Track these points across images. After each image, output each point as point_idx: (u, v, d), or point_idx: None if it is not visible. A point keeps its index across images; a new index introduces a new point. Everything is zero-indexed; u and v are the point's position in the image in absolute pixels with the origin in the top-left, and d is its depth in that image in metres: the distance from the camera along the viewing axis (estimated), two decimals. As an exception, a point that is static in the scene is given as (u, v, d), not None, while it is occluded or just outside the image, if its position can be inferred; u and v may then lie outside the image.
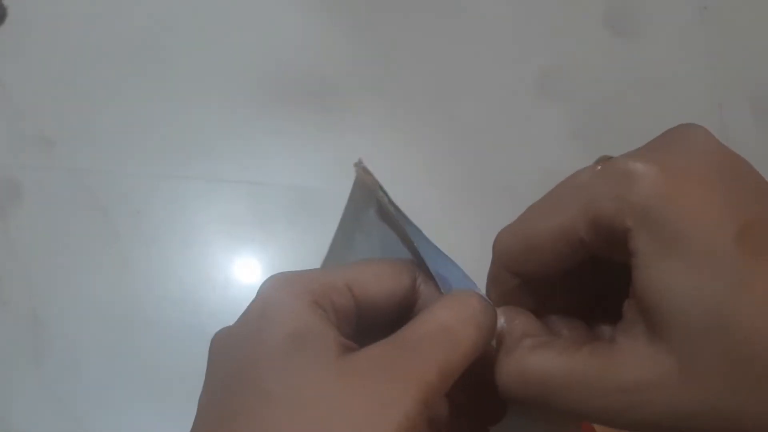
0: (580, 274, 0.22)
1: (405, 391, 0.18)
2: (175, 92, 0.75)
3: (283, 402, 0.18)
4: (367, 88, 0.80)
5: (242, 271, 0.68)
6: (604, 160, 0.22)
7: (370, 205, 0.27)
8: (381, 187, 0.26)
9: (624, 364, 0.18)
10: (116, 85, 0.75)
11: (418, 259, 0.25)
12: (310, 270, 0.23)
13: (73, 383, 0.64)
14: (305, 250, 0.68)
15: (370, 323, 0.23)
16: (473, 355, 0.20)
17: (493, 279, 0.24)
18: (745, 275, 0.17)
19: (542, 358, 0.20)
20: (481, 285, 0.26)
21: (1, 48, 0.75)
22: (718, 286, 0.17)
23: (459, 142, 0.77)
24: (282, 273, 0.23)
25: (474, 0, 0.84)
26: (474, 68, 0.81)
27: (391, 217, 0.26)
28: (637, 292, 0.19)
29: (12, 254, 0.68)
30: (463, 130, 0.78)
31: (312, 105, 0.75)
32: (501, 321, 0.22)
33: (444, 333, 0.20)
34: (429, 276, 0.24)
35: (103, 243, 0.69)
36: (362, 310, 0.23)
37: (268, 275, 0.23)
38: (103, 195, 0.70)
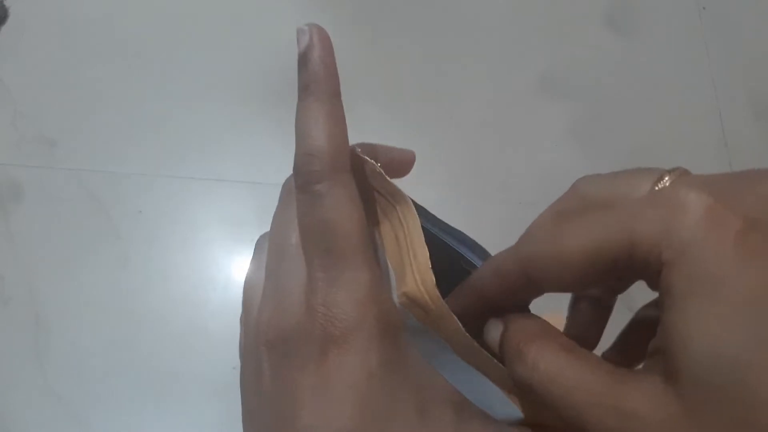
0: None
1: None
2: (175, 92, 0.75)
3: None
4: (368, 88, 0.80)
5: (243, 271, 0.68)
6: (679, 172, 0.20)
7: None
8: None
9: (632, 392, 0.17)
10: (116, 85, 0.75)
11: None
12: None
13: (74, 383, 0.64)
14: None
15: None
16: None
17: (498, 273, 0.22)
18: None
19: (563, 358, 0.19)
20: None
21: (1, 48, 0.75)
22: (744, 346, 0.16)
23: (459, 141, 0.77)
24: None
25: (474, 1, 0.84)
26: (475, 68, 0.81)
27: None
28: (662, 331, 0.18)
29: (13, 254, 0.68)
30: (463, 130, 0.78)
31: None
32: (500, 329, 0.22)
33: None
34: None
35: (104, 243, 0.69)
36: None
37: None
38: (103, 195, 0.70)
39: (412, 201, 0.22)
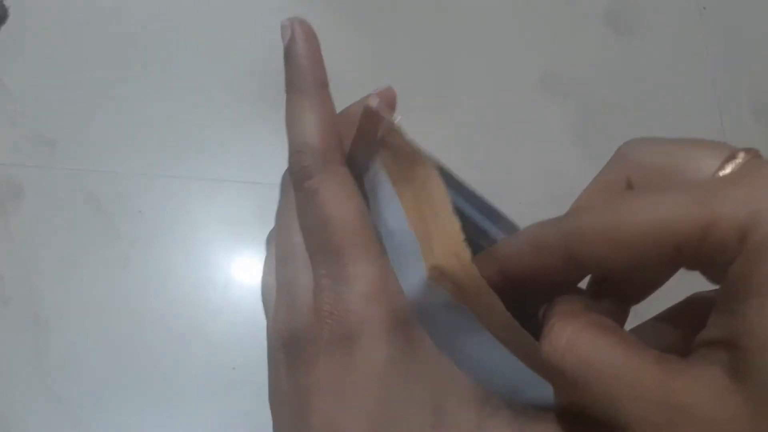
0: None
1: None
2: (175, 92, 0.75)
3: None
4: (368, 88, 0.79)
5: (243, 271, 0.68)
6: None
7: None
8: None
9: (686, 385, 0.15)
10: (116, 85, 0.75)
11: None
12: None
13: (74, 383, 0.64)
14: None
15: None
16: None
17: (538, 245, 0.19)
18: None
19: (602, 340, 0.17)
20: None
21: (1, 48, 0.75)
22: None
23: (459, 141, 0.77)
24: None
25: (474, 1, 0.84)
26: (475, 68, 0.81)
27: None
28: (731, 323, 0.15)
29: (12, 254, 0.68)
30: (463, 130, 0.78)
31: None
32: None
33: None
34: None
35: (104, 243, 0.69)
36: None
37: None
38: (103, 195, 0.70)
39: (436, 163, 0.20)
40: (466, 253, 0.18)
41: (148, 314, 0.67)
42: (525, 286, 0.19)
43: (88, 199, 0.70)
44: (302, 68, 0.21)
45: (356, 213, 0.20)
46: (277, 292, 0.21)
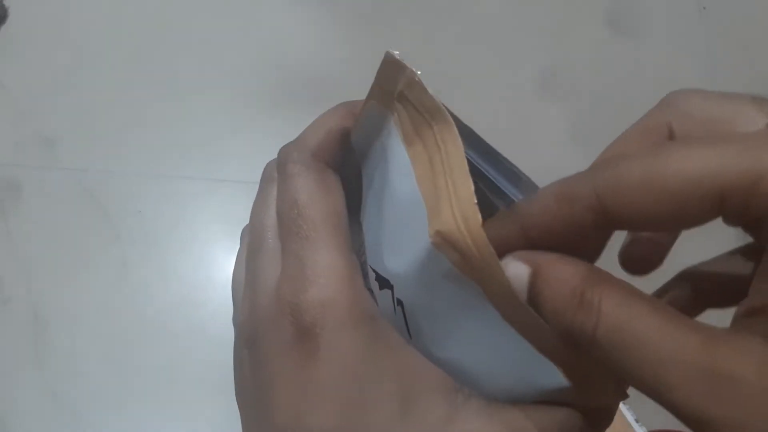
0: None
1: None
2: (175, 93, 0.75)
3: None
4: (368, 89, 0.79)
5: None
6: None
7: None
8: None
9: (731, 353, 0.14)
10: (116, 85, 0.75)
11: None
12: None
13: (73, 383, 0.64)
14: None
15: None
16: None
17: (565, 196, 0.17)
18: None
19: (633, 307, 0.15)
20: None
21: (1, 48, 0.75)
22: None
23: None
24: None
25: (474, 1, 0.84)
26: (474, 68, 0.81)
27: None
28: None
29: (12, 254, 0.68)
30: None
31: (312, 105, 0.75)
32: (525, 269, 0.17)
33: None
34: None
35: (104, 243, 0.69)
36: None
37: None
38: (103, 195, 0.70)
39: (456, 120, 0.18)
40: (476, 217, 0.16)
41: (147, 314, 0.67)
42: (546, 247, 0.18)
43: (88, 199, 0.70)
44: (351, 102, 0.22)
45: (331, 204, 0.20)
46: (244, 287, 0.21)
